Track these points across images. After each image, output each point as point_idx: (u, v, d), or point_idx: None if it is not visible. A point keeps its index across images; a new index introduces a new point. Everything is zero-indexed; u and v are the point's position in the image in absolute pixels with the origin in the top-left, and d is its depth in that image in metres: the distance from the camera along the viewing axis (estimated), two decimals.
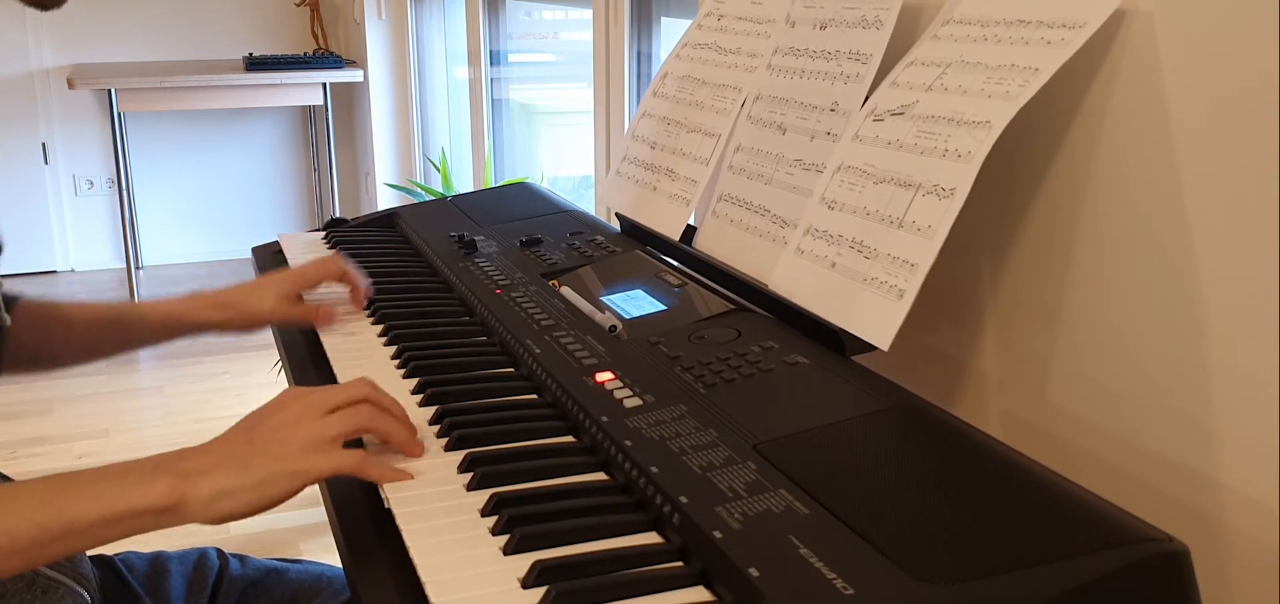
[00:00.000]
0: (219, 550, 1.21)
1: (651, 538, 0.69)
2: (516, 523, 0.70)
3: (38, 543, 0.71)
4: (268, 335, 1.22)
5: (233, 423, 0.81)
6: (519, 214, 1.41)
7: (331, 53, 4.38)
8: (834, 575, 0.59)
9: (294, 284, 1.13)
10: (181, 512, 0.73)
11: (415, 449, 0.80)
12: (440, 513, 0.73)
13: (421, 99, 4.04)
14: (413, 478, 0.77)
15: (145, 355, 3.72)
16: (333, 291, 1.17)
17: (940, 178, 0.86)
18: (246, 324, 1.14)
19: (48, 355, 1.16)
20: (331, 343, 1.06)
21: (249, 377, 3.50)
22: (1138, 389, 0.82)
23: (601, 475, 0.78)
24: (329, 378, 0.97)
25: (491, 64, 3.22)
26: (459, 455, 0.80)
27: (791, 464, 0.71)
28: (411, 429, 0.81)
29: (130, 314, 1.18)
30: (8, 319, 1.03)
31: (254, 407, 0.80)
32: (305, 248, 1.38)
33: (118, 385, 3.42)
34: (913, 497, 0.67)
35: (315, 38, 4.51)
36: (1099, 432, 0.86)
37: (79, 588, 0.98)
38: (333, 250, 1.33)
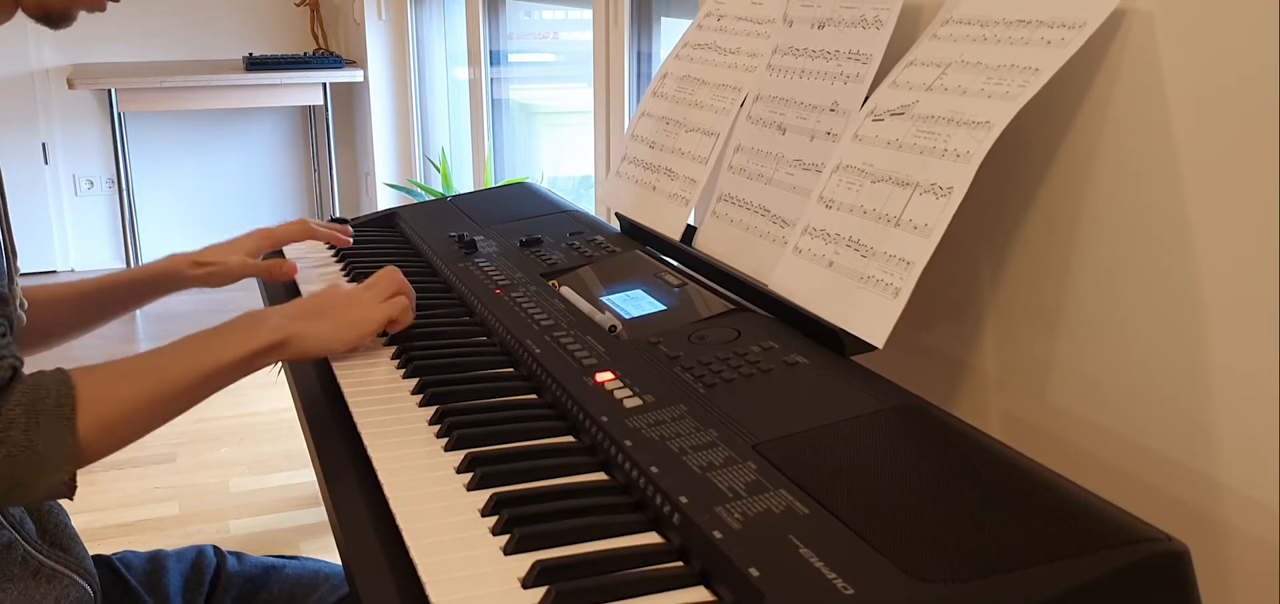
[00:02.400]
0: (216, 548, 1.22)
1: (651, 538, 0.69)
2: (516, 523, 0.70)
3: (199, 383, 0.91)
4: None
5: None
6: (519, 214, 1.41)
7: (331, 53, 4.38)
8: (834, 575, 0.59)
9: (261, 242, 1.30)
10: (289, 346, 0.95)
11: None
12: (440, 512, 0.73)
13: (421, 99, 4.04)
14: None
15: (145, 341, 3.72)
16: (309, 255, 1.33)
17: (938, 177, 0.86)
18: (220, 279, 1.28)
19: (44, 333, 1.25)
20: None
21: (249, 376, 3.50)
22: (1138, 389, 0.82)
23: (601, 475, 0.78)
24: (328, 374, 0.97)
25: (491, 64, 3.22)
26: (459, 455, 0.80)
27: (791, 464, 0.71)
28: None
29: (115, 280, 1.30)
30: (24, 318, 1.08)
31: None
32: (306, 247, 1.38)
33: None
34: (913, 497, 0.67)
35: (315, 38, 4.51)
36: (1099, 432, 0.86)
37: (82, 581, 0.98)
38: (330, 252, 1.35)
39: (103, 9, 1.04)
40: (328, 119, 4.21)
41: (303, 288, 1.23)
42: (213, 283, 1.28)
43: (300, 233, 1.32)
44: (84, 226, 4.56)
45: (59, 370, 0.87)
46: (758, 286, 1.01)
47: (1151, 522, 0.62)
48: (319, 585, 1.17)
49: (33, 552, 0.96)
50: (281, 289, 1.26)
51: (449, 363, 0.97)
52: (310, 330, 0.96)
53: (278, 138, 4.72)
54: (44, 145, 4.39)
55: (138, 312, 4.09)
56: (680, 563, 0.67)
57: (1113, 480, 0.84)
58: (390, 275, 1.03)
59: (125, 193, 4.13)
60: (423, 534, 0.70)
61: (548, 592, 0.62)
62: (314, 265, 1.31)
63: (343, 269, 1.29)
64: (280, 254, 1.33)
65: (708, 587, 0.64)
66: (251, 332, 0.93)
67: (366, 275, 1.23)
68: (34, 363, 0.88)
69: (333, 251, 1.36)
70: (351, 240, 1.35)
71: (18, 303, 1.05)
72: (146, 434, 0.90)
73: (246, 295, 1.24)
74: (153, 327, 3.94)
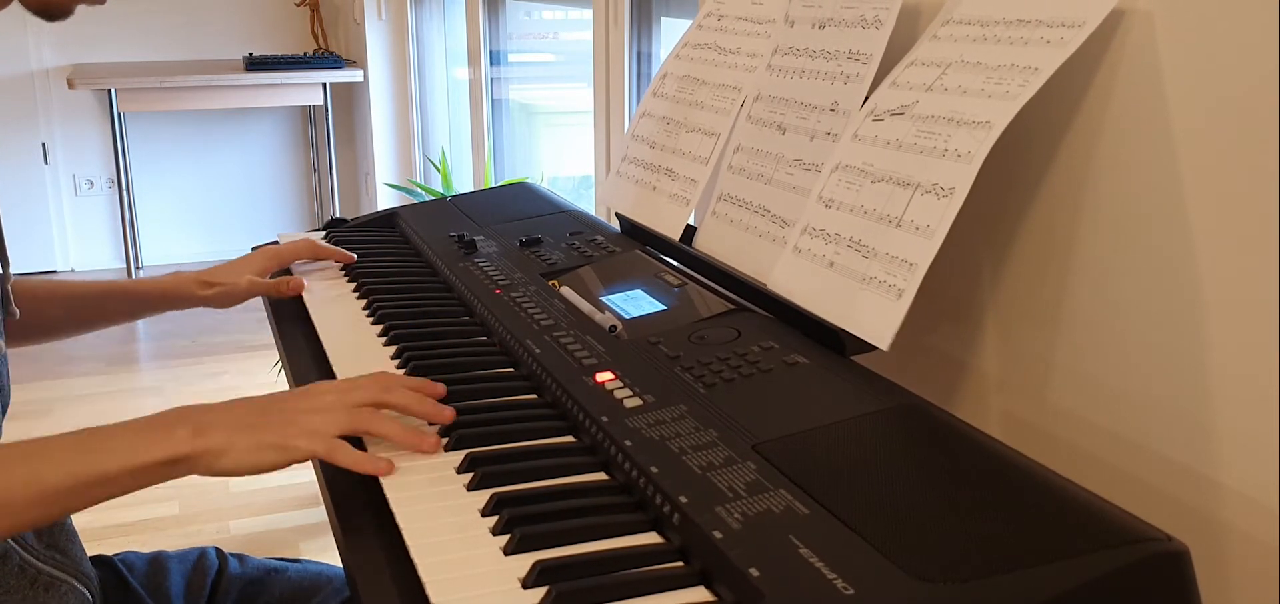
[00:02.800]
0: (218, 550, 1.22)
1: (651, 538, 0.70)
2: (517, 523, 0.70)
3: (71, 490, 0.77)
4: (268, 336, 1.24)
5: None
6: (519, 214, 1.41)
7: (331, 53, 4.38)
8: (834, 575, 0.59)
9: (268, 261, 1.29)
10: (193, 462, 0.79)
11: (423, 444, 0.81)
12: (440, 512, 0.73)
13: (421, 99, 4.04)
14: (392, 470, 0.78)
15: (145, 356, 3.73)
16: (314, 267, 1.32)
17: (939, 177, 0.86)
18: (227, 300, 1.26)
19: (44, 327, 1.24)
20: (331, 343, 1.06)
21: (249, 377, 3.50)
22: (1138, 389, 0.82)
23: (602, 475, 0.78)
24: (328, 376, 0.97)
25: (491, 64, 3.22)
26: (459, 455, 0.80)
27: (791, 464, 0.71)
28: (415, 434, 0.82)
29: (120, 289, 1.30)
30: (17, 312, 1.07)
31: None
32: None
33: (118, 385, 3.42)
34: (913, 497, 0.67)
35: (315, 38, 4.51)
36: (1099, 432, 0.86)
37: (81, 586, 0.98)
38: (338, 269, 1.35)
39: (102, 1, 1.02)
40: (328, 119, 4.21)
41: (307, 298, 1.22)
42: (220, 303, 1.27)
43: (307, 251, 1.31)
44: (84, 227, 4.56)
45: None
46: (758, 286, 1.01)
47: (1151, 522, 0.62)
48: (321, 588, 1.17)
49: (31, 559, 0.95)
50: (288, 304, 1.23)
51: (449, 363, 0.97)
52: (231, 443, 0.79)
53: (278, 138, 4.72)
54: (44, 145, 4.39)
55: None
56: (680, 563, 0.67)
57: (1113, 480, 0.84)
58: (376, 382, 0.85)
59: (125, 193, 4.13)
60: (423, 534, 0.70)
61: (548, 592, 0.63)
62: (319, 276, 1.30)
63: (346, 276, 1.29)
64: (288, 271, 1.32)
65: (708, 587, 0.64)
66: (154, 437, 0.79)
67: (366, 275, 1.24)
68: (26, 389, 0.84)
69: (339, 264, 1.36)
70: (355, 257, 1.31)
71: None
72: (17, 532, 0.79)
73: (248, 313, 1.25)
74: (153, 326, 3.94)
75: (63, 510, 0.79)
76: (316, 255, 1.31)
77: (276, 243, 1.36)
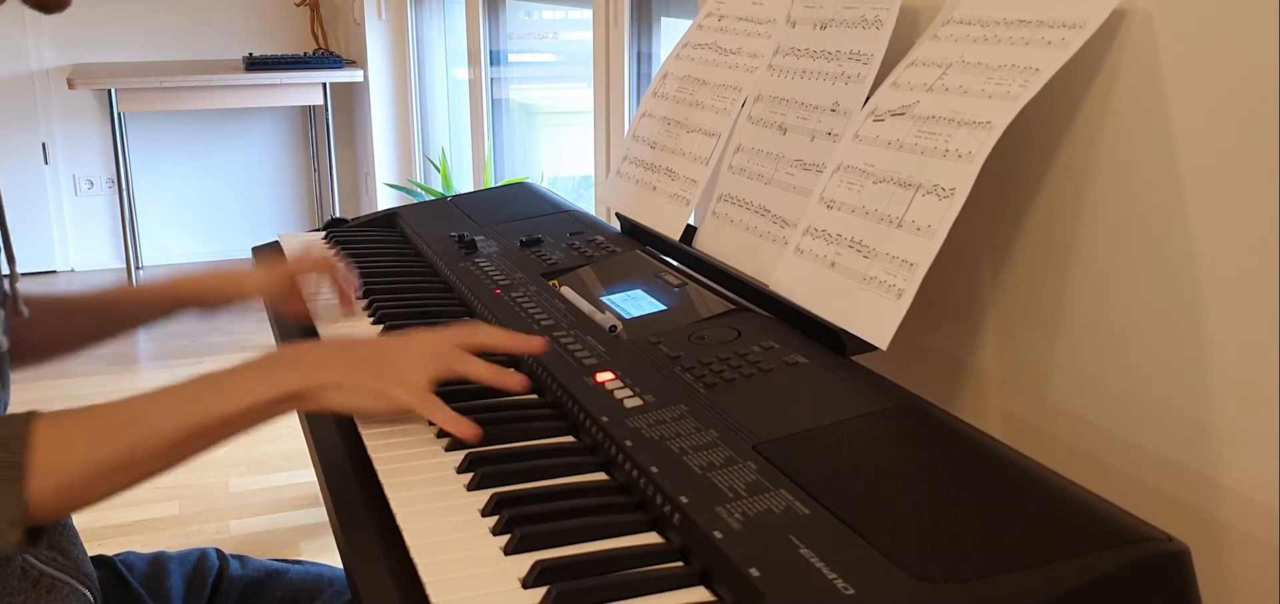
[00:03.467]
0: (219, 551, 1.21)
1: (652, 538, 0.70)
2: (517, 523, 0.70)
3: (189, 437, 0.80)
4: (268, 337, 1.23)
5: None
6: (519, 214, 1.41)
7: (331, 53, 4.38)
8: (834, 575, 0.59)
9: (281, 274, 1.20)
10: (306, 398, 0.82)
11: (510, 382, 0.87)
12: (441, 512, 0.73)
13: (421, 99, 4.04)
14: (479, 434, 0.81)
15: (145, 358, 3.73)
16: (324, 294, 1.22)
17: (940, 178, 0.86)
18: (232, 301, 1.19)
19: (49, 346, 1.19)
20: None
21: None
22: (1138, 389, 0.82)
23: (602, 475, 0.78)
24: None
25: (491, 64, 3.22)
26: (459, 455, 0.80)
27: (792, 464, 0.71)
28: (503, 373, 0.87)
29: (125, 297, 1.24)
30: (5, 343, 1.04)
31: None
32: (305, 248, 1.38)
33: (117, 388, 3.42)
34: (913, 497, 0.67)
35: (315, 38, 4.51)
36: (1099, 432, 0.86)
37: (82, 587, 0.98)
38: (330, 253, 1.33)
39: None
40: (328, 119, 4.21)
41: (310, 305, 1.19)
42: (224, 305, 1.20)
43: (321, 264, 1.20)
44: (84, 227, 4.56)
45: (23, 417, 0.78)
46: (758, 286, 1.01)
47: (1151, 522, 0.62)
48: (322, 590, 1.17)
49: (31, 561, 0.95)
50: (298, 335, 1.17)
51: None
52: (341, 381, 0.83)
53: (278, 138, 4.72)
54: (44, 145, 4.39)
55: None
56: (680, 563, 0.67)
57: (1113, 480, 0.84)
58: (465, 327, 0.89)
59: (125, 193, 4.13)
60: (423, 534, 0.70)
61: (548, 592, 0.63)
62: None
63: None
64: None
65: (708, 587, 0.64)
66: (268, 378, 0.82)
67: (366, 275, 1.23)
68: (27, 391, 0.83)
69: (332, 252, 1.36)
70: (360, 294, 1.20)
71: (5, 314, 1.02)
72: (122, 492, 0.80)
73: (249, 313, 1.24)
74: (153, 335, 3.93)
75: (184, 458, 0.81)
76: (328, 269, 1.19)
77: (277, 243, 1.35)
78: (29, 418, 0.78)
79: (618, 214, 1.30)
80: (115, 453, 0.78)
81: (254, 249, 1.45)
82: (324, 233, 1.45)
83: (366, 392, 0.83)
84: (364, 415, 0.85)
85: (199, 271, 1.21)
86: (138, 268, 4.34)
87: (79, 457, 0.77)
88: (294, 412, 0.83)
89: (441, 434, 0.84)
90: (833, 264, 0.93)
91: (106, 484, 0.79)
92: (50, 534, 1.00)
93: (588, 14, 2.25)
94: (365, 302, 1.17)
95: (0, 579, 0.93)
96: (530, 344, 0.91)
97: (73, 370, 3.43)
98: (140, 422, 0.79)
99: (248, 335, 3.77)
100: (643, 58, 2.19)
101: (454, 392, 0.90)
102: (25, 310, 1.06)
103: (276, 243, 1.43)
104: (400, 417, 0.85)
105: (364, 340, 0.89)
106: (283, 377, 0.82)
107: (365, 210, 3.93)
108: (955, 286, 1.00)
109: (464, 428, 0.81)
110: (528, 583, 0.64)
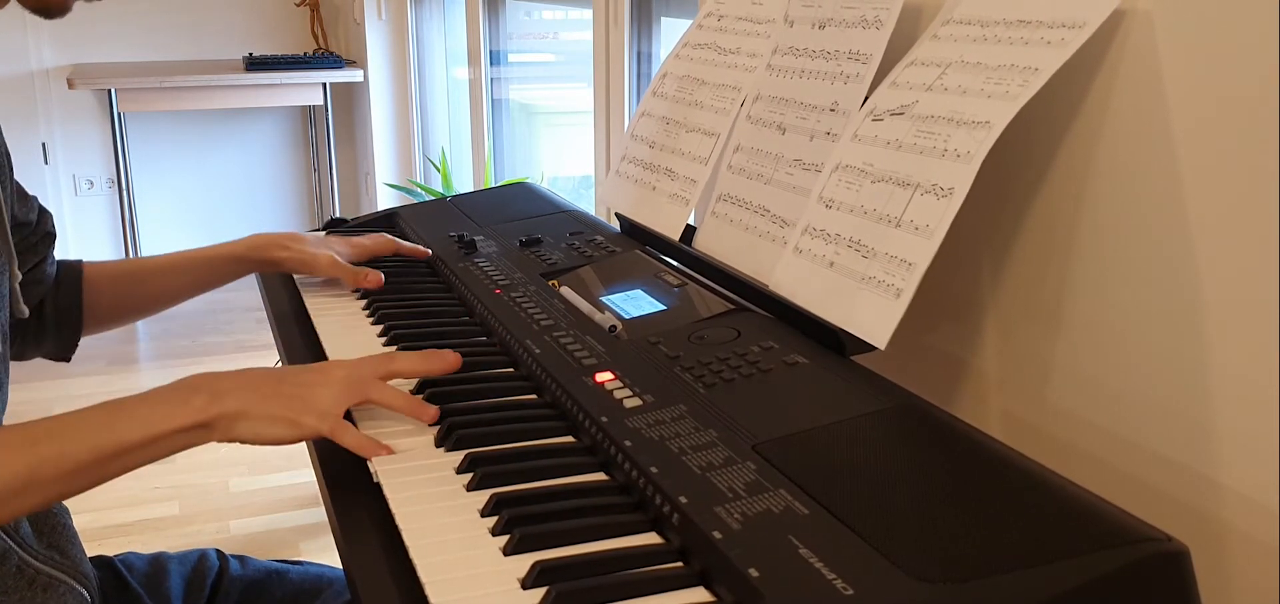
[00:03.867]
0: (219, 551, 1.21)
1: (651, 538, 0.70)
2: (516, 523, 0.70)
3: (95, 463, 0.79)
4: (268, 337, 1.23)
5: None
6: (519, 214, 1.41)
7: (331, 53, 4.38)
8: (834, 576, 0.59)
9: (351, 250, 1.24)
10: (210, 429, 0.82)
11: (423, 413, 0.85)
12: (440, 513, 0.73)
13: (421, 99, 4.04)
14: (391, 453, 0.81)
15: (145, 357, 3.73)
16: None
17: (939, 177, 0.86)
18: (301, 265, 1.22)
19: (127, 309, 1.26)
20: (331, 343, 1.06)
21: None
22: (1138, 389, 0.82)
23: (601, 476, 0.78)
24: None
25: (491, 64, 3.22)
26: (459, 456, 0.80)
27: (791, 464, 0.71)
28: (417, 403, 0.86)
29: (198, 258, 1.26)
30: (25, 310, 1.06)
31: None
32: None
33: (117, 387, 3.42)
34: (913, 497, 0.67)
35: (315, 38, 4.51)
36: (1099, 432, 0.86)
37: (79, 587, 0.98)
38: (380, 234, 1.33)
39: None
40: (328, 119, 4.21)
41: (307, 301, 1.20)
42: (293, 268, 1.23)
43: (388, 248, 1.27)
44: (84, 227, 4.56)
45: None
46: (758, 287, 1.01)
47: (1151, 522, 0.62)
48: (322, 591, 1.17)
49: (29, 560, 0.95)
50: (286, 305, 1.22)
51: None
52: (248, 410, 0.82)
53: (278, 138, 4.72)
54: (44, 145, 4.39)
55: None
56: (680, 563, 0.67)
57: (1113, 480, 0.84)
58: (382, 357, 0.88)
59: (125, 193, 4.13)
60: (423, 534, 0.70)
61: (548, 592, 0.63)
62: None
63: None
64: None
65: (707, 587, 0.64)
66: (174, 406, 0.81)
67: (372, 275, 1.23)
68: (27, 391, 0.83)
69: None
70: (364, 304, 1.20)
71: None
72: (25, 514, 0.81)
73: (244, 292, 1.23)
74: (153, 326, 3.94)
75: (89, 483, 0.80)
76: (397, 251, 1.27)
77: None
78: None
79: (617, 214, 1.30)
80: (14, 476, 0.77)
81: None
82: (324, 233, 1.45)
83: (276, 419, 0.82)
84: (274, 444, 0.84)
85: (271, 234, 1.23)
86: None
87: None
88: (204, 442, 0.82)
89: (442, 434, 0.84)
90: (831, 264, 0.93)
91: (7, 507, 0.78)
92: (49, 534, 1.00)
93: (588, 14, 2.25)
94: (365, 302, 1.17)
95: None
96: (444, 363, 0.89)
97: (73, 371, 3.43)
98: (43, 444, 0.79)
99: (248, 334, 3.77)
100: (643, 58, 2.19)
101: (453, 392, 0.90)
102: (25, 310, 1.07)
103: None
104: (318, 439, 0.84)
105: (277, 370, 0.87)
106: (188, 406, 0.81)
107: (365, 210, 3.93)
108: (955, 286, 1.00)
109: (373, 448, 0.81)
110: (527, 583, 0.64)
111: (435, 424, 0.85)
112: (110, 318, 1.25)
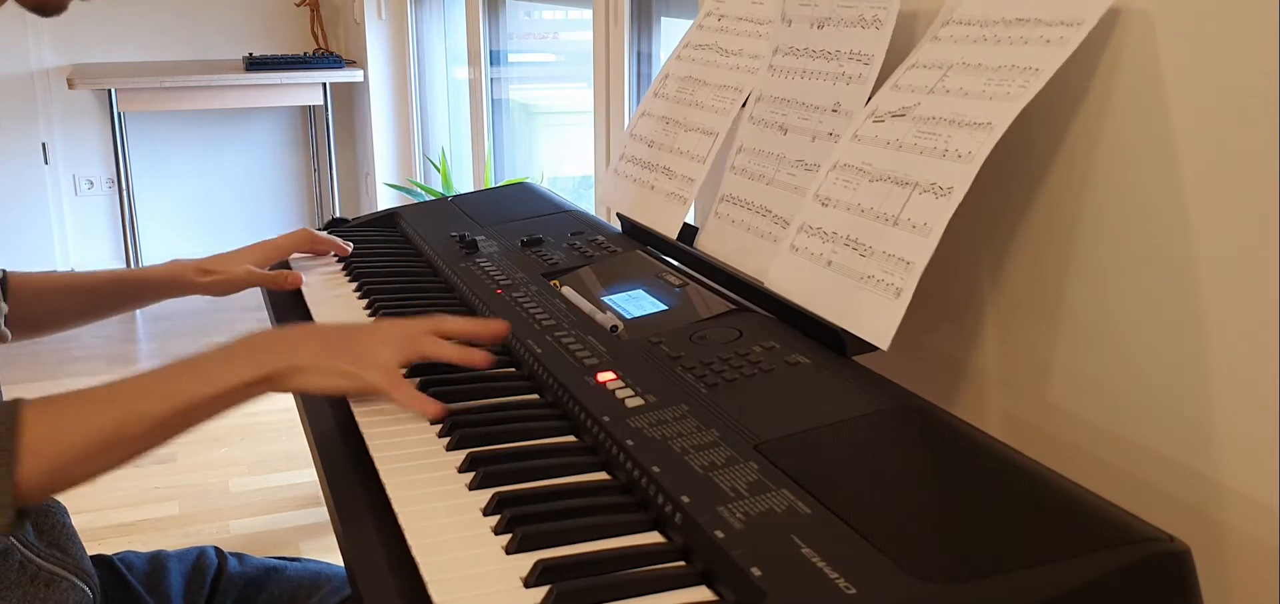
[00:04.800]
0: (218, 549, 1.22)
1: (653, 538, 0.70)
2: (518, 522, 0.70)
3: (172, 417, 0.83)
4: None
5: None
6: (519, 214, 1.41)
7: (331, 53, 4.38)
8: (836, 575, 0.59)
9: (267, 253, 1.28)
10: (279, 379, 0.86)
11: (475, 359, 0.92)
12: (442, 512, 0.73)
13: (421, 99, 4.04)
14: (443, 411, 0.85)
15: (145, 356, 3.72)
16: (313, 262, 1.32)
17: (938, 177, 0.86)
18: (225, 288, 1.26)
19: (45, 320, 1.25)
20: None
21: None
22: (1138, 389, 0.83)
23: (603, 475, 0.78)
24: None
25: (491, 64, 3.22)
26: (461, 455, 0.80)
27: (793, 464, 0.71)
28: (468, 352, 0.92)
29: (119, 278, 1.30)
30: (9, 334, 1.08)
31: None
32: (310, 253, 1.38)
33: None
34: (914, 496, 0.67)
35: (315, 38, 4.51)
36: (1099, 431, 0.86)
37: (81, 583, 0.98)
38: (336, 264, 1.35)
39: None
40: (328, 119, 4.21)
41: (307, 294, 1.22)
42: (217, 291, 1.27)
43: (304, 242, 1.32)
44: (84, 226, 4.56)
45: (10, 404, 0.80)
46: (759, 287, 1.01)
47: (1152, 522, 0.62)
48: (320, 587, 1.17)
49: (31, 556, 0.96)
50: (287, 299, 1.26)
51: (456, 375, 0.97)
52: (313, 363, 0.87)
53: (278, 138, 4.72)
54: (44, 145, 4.39)
55: (138, 311, 4.08)
56: (682, 563, 0.67)
57: (1113, 480, 0.84)
58: (431, 318, 0.94)
59: (125, 193, 4.13)
60: (425, 534, 0.70)
61: (550, 591, 0.63)
62: (320, 272, 1.31)
63: (343, 268, 1.29)
64: (286, 265, 1.32)
65: (710, 586, 0.64)
66: (242, 361, 0.86)
67: (367, 274, 1.24)
68: (26, 392, 0.85)
69: (337, 259, 1.36)
70: (351, 248, 1.34)
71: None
72: (108, 472, 0.84)
73: (250, 314, 1.24)
74: (153, 326, 3.94)
75: (166, 437, 0.84)
76: (314, 246, 1.32)
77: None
78: (16, 404, 0.80)
79: (619, 214, 1.30)
80: (102, 434, 0.81)
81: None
82: (324, 233, 1.45)
83: (338, 373, 0.87)
84: (335, 395, 0.89)
85: (196, 261, 1.27)
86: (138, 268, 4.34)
87: (68, 439, 0.80)
88: (271, 393, 0.87)
89: (444, 434, 0.84)
90: (829, 262, 0.93)
91: (94, 464, 0.82)
92: (50, 533, 1.00)
93: (588, 14, 2.25)
94: (365, 302, 1.17)
95: None
96: (493, 329, 0.96)
97: (73, 370, 3.43)
98: (125, 404, 0.82)
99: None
100: (643, 58, 2.19)
101: (454, 392, 0.90)
102: (3, 307, 1.08)
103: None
104: (370, 397, 0.89)
105: (337, 325, 0.93)
106: (259, 360, 0.86)
107: (365, 210, 3.93)
108: (955, 286, 1.01)
109: (427, 406, 0.86)
110: (529, 582, 0.64)
111: (488, 368, 0.92)
112: (29, 328, 1.23)
